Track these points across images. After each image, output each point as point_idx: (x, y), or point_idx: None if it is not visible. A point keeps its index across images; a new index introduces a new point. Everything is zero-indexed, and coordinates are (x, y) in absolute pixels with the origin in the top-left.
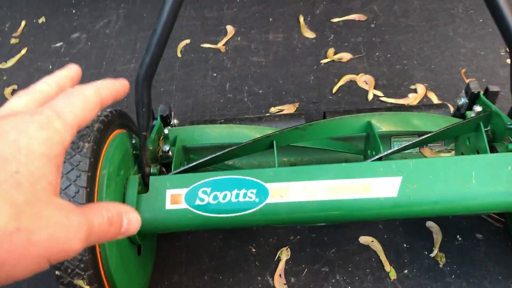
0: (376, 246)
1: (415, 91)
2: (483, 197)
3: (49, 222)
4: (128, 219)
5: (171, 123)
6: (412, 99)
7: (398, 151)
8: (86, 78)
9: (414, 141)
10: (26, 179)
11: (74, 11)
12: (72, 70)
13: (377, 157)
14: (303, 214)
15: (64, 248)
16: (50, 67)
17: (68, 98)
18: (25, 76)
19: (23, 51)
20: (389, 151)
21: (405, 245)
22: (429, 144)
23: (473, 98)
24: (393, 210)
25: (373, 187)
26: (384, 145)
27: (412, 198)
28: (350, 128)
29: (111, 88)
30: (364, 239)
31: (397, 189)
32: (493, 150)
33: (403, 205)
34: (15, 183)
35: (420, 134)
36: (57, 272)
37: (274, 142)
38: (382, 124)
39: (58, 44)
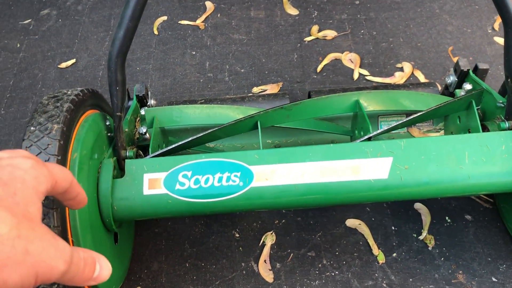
0: (364, 229)
1: (401, 69)
2: (477, 178)
3: (42, 236)
4: (100, 265)
5: (148, 103)
6: (398, 78)
7: (388, 130)
8: (57, 56)
9: (404, 120)
10: (21, 200)
11: None
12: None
13: (366, 137)
14: (290, 198)
15: (51, 266)
16: (18, 45)
17: (49, 163)
18: None
19: None
20: (378, 131)
21: (393, 227)
22: (417, 124)
23: (463, 76)
24: (383, 193)
25: (362, 168)
26: (371, 125)
27: (404, 180)
28: (337, 107)
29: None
30: (351, 222)
31: (388, 170)
32: (484, 129)
33: (394, 187)
34: (13, 201)
35: (409, 113)
36: None
37: (259, 123)
38: (370, 103)
39: (26, 21)
